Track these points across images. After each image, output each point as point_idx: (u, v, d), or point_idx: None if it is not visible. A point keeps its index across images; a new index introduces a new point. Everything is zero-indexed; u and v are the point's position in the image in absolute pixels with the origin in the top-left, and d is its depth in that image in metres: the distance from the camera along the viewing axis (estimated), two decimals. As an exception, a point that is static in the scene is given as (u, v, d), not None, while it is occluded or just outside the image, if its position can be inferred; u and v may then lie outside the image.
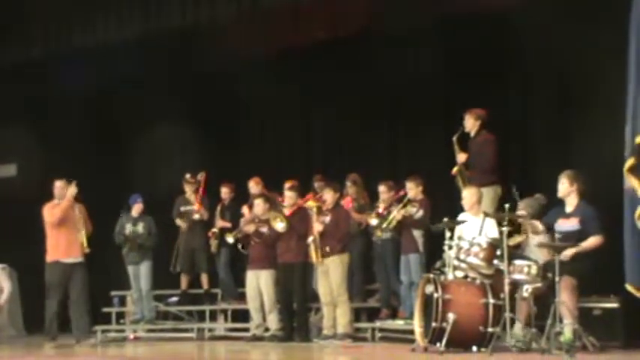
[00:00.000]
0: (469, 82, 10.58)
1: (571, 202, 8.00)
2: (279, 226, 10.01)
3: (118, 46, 12.08)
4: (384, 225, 9.66)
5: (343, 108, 11.99)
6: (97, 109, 13.59)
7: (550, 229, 8.11)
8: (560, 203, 8.11)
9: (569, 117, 10.02)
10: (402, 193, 9.83)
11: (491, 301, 7.77)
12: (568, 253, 7.69)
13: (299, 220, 10.06)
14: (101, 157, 13.48)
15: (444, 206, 9.58)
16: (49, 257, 10.29)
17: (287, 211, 10.15)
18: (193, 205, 11.73)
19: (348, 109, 11.93)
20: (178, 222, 11.82)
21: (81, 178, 10.36)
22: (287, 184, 10.41)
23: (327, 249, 9.69)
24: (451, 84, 10.97)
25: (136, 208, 11.60)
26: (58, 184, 10.39)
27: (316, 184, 10.77)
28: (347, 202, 10.37)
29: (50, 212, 10.28)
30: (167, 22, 11.64)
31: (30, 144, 13.49)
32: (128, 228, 11.49)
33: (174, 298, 12.16)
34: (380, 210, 9.88)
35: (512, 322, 7.76)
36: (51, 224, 10.25)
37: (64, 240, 10.23)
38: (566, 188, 8.01)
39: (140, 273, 11.49)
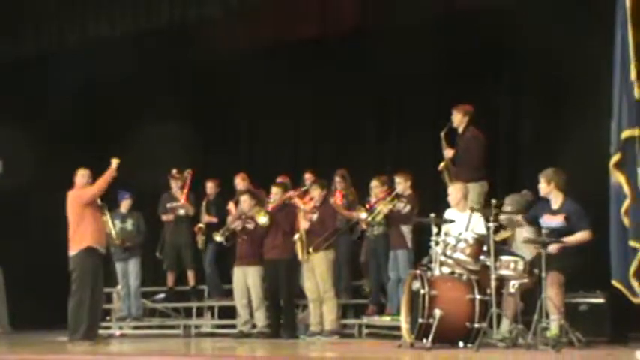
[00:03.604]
0: (458, 80, 10.59)
1: (555, 199, 8.01)
2: (262, 220, 10.01)
3: (105, 45, 12.04)
4: (370, 219, 9.65)
5: (332, 105, 12.00)
6: (84, 107, 13.53)
7: (533, 223, 8.11)
8: (546, 199, 8.13)
9: (556, 115, 10.04)
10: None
11: (478, 296, 7.78)
12: (554, 247, 7.71)
13: (284, 216, 10.06)
14: (89, 155, 13.38)
15: (430, 202, 9.58)
16: (78, 246, 9.50)
17: (270, 207, 10.15)
18: (179, 201, 11.69)
19: (337, 106, 11.93)
20: (164, 217, 11.79)
21: (69, 175, 10.27)
22: (277, 180, 10.46)
23: (311, 249, 9.70)
24: (440, 81, 10.98)
25: (125, 205, 11.55)
26: (84, 173, 9.86)
27: (306, 177, 10.72)
28: (338, 197, 10.34)
29: (82, 192, 9.66)
30: (156, 21, 11.61)
31: (17, 142, 13.41)
32: (117, 225, 11.36)
33: (161, 295, 12.13)
34: (370, 204, 9.85)
35: (499, 317, 7.77)
36: (87, 203, 9.58)
37: (95, 228, 9.65)
38: (544, 188, 8.05)
39: (129, 270, 11.43)
